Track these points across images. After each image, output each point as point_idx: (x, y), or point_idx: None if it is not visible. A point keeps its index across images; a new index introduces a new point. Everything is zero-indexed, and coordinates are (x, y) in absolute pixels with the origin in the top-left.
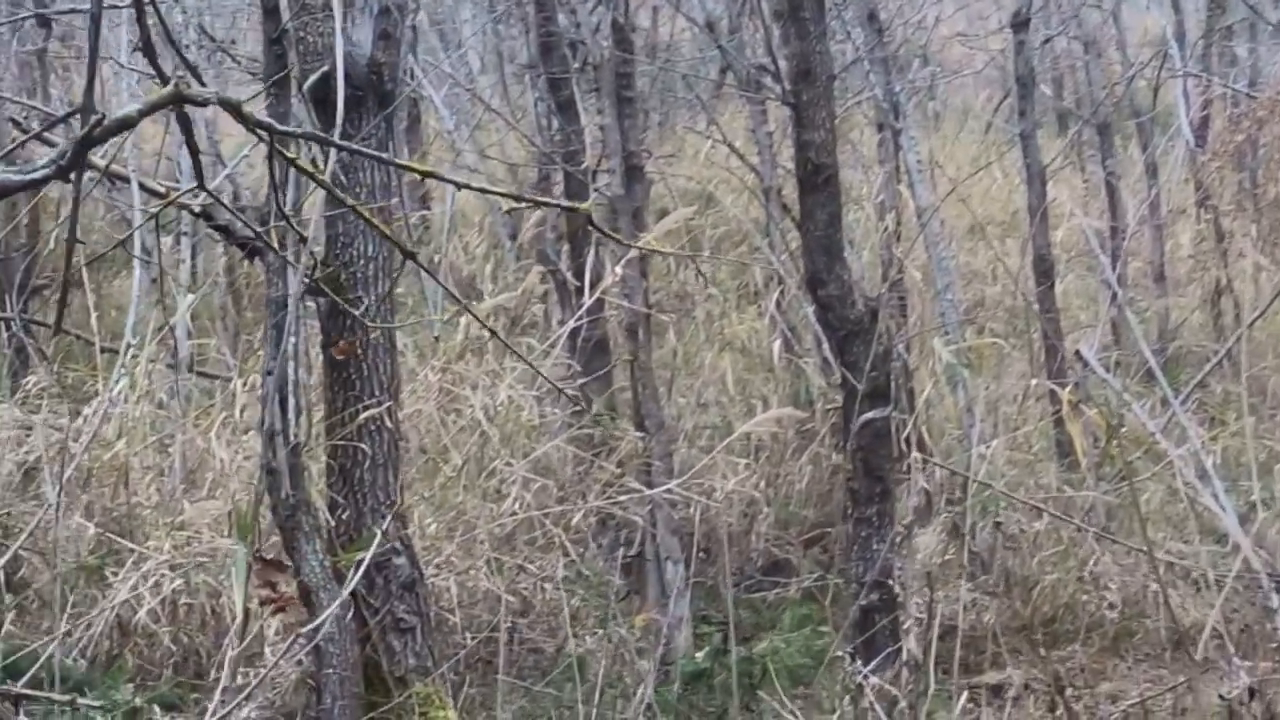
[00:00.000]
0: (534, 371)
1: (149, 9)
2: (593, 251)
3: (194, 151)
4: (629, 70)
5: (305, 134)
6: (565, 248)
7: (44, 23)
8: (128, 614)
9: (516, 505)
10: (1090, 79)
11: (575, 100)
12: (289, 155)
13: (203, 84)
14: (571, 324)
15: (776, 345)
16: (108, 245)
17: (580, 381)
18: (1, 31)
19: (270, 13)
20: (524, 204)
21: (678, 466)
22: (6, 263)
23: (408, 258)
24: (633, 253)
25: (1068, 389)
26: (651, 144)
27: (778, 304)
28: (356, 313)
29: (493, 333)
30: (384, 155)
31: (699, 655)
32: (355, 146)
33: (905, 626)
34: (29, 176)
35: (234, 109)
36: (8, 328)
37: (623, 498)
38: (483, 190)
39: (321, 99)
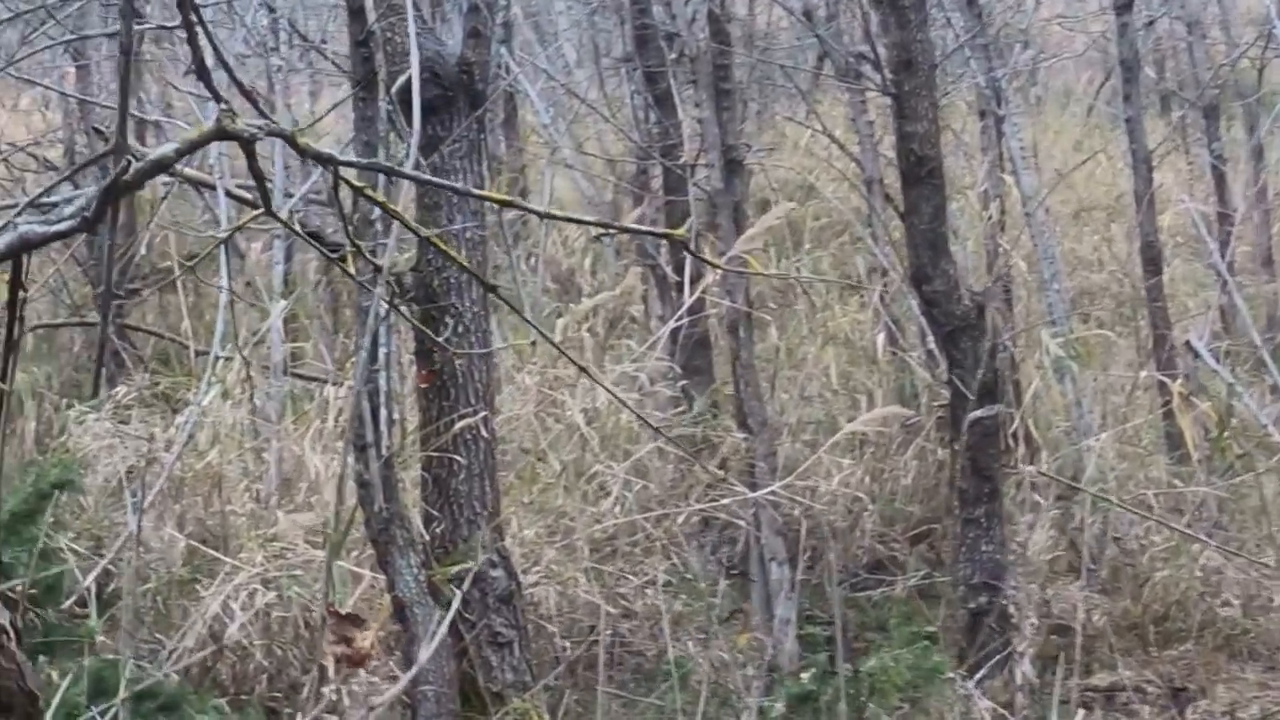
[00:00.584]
0: (633, 375)
1: (200, 28)
2: (694, 246)
3: (258, 178)
4: (726, 62)
5: (369, 164)
6: (664, 242)
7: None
8: (220, 627)
9: (617, 509)
10: (1194, 60)
11: (672, 93)
12: (356, 185)
13: (259, 109)
14: (672, 323)
15: (880, 339)
16: (202, 247)
17: (681, 382)
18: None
19: (356, 14)
20: (615, 230)
21: (781, 463)
22: (99, 265)
23: (489, 290)
24: (734, 251)
25: (1178, 381)
26: (750, 135)
27: (881, 296)
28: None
29: (580, 367)
30: (458, 185)
31: (805, 676)
32: (423, 176)
33: (1015, 624)
34: (52, 229)
35: (289, 140)
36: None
37: (725, 501)
38: (571, 219)
39: (409, 101)
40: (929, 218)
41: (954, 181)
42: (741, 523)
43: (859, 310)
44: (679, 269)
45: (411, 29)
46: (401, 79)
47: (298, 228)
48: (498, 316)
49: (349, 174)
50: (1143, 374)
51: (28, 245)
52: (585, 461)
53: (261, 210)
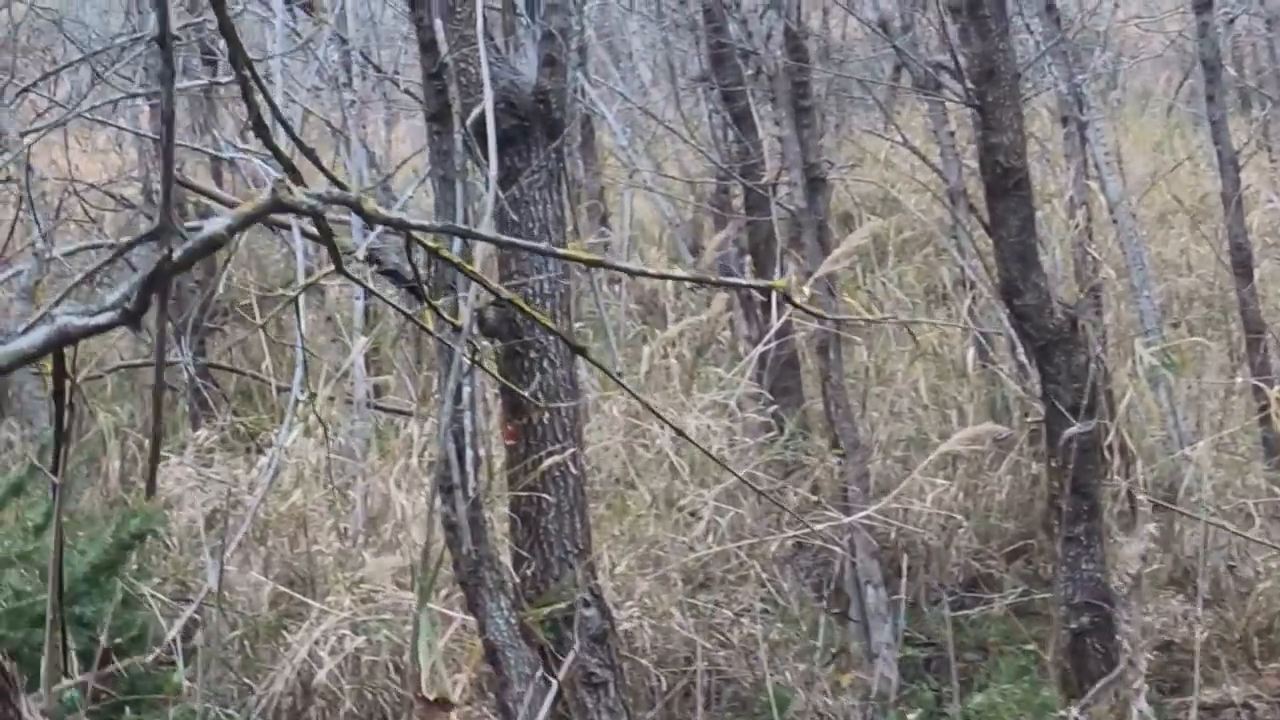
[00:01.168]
0: (722, 402)
1: (254, 83)
2: (778, 266)
3: (326, 236)
4: (804, 79)
5: (442, 228)
6: (749, 260)
7: (209, 59)
8: (308, 673)
9: (709, 537)
10: (1275, 56)
11: (751, 111)
12: (430, 246)
13: (323, 169)
14: (760, 347)
15: (970, 352)
16: (283, 283)
17: (771, 407)
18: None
19: (428, 47)
20: (708, 285)
21: (874, 482)
22: (180, 302)
23: (577, 353)
24: (820, 272)
25: (1275, 388)
26: (829, 149)
27: (970, 310)
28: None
29: (653, 411)
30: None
31: (911, 717)
32: (499, 237)
33: (1121, 646)
34: (92, 322)
35: (355, 208)
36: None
37: (819, 526)
38: (664, 276)
39: (485, 133)
40: (1017, 230)
41: (1038, 190)
42: (838, 549)
43: (948, 323)
44: (765, 291)
45: (484, 57)
46: (476, 111)
47: (369, 278)
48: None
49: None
50: (1237, 379)
51: (66, 339)
52: (675, 490)
53: (332, 269)
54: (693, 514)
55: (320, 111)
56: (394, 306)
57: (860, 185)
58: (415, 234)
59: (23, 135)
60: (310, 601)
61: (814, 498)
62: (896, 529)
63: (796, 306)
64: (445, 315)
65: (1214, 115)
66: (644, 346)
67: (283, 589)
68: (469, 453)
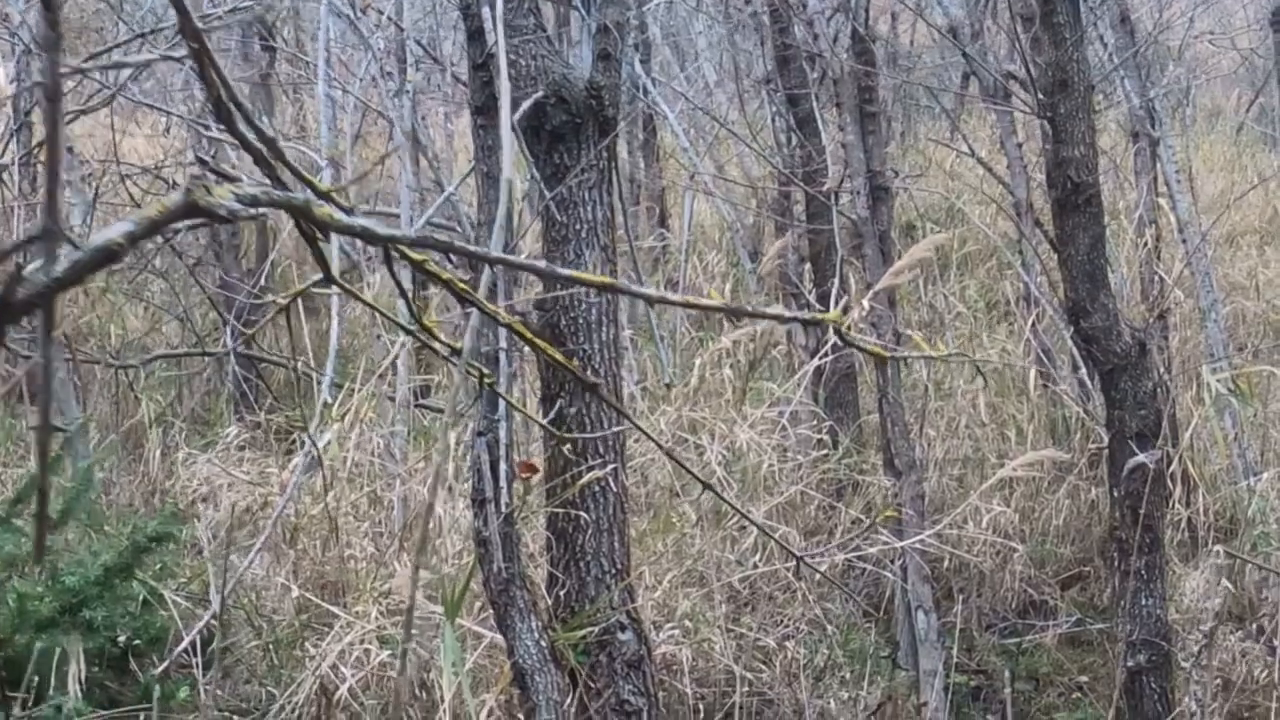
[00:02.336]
0: (774, 418)
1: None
2: (837, 276)
3: (310, 241)
4: (871, 84)
5: (420, 240)
6: (808, 269)
7: (268, 45)
8: (333, 685)
9: (756, 556)
10: None
11: (815, 115)
12: (414, 258)
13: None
14: (816, 360)
15: (1031, 372)
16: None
17: (827, 422)
18: (228, 49)
19: (474, 36)
20: (744, 316)
21: (928, 501)
22: (228, 287)
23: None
24: (881, 285)
25: None
26: (893, 157)
27: (1033, 327)
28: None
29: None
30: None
31: None
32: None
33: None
34: None
35: (298, 211)
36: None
37: (871, 550)
38: (690, 305)
39: (534, 128)
40: (1086, 248)
41: (1106, 207)
42: (889, 574)
43: (1008, 339)
44: (823, 300)
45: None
46: (525, 104)
47: (364, 291)
48: (633, 355)
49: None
50: None
51: None
52: (723, 508)
53: (321, 278)
54: (742, 529)
55: (376, 102)
56: (392, 320)
57: (924, 195)
58: (394, 244)
59: (68, 117)
60: (336, 611)
61: (865, 518)
62: (951, 552)
63: (847, 343)
64: (437, 349)
65: None
66: (696, 357)
67: (309, 596)
68: (502, 466)
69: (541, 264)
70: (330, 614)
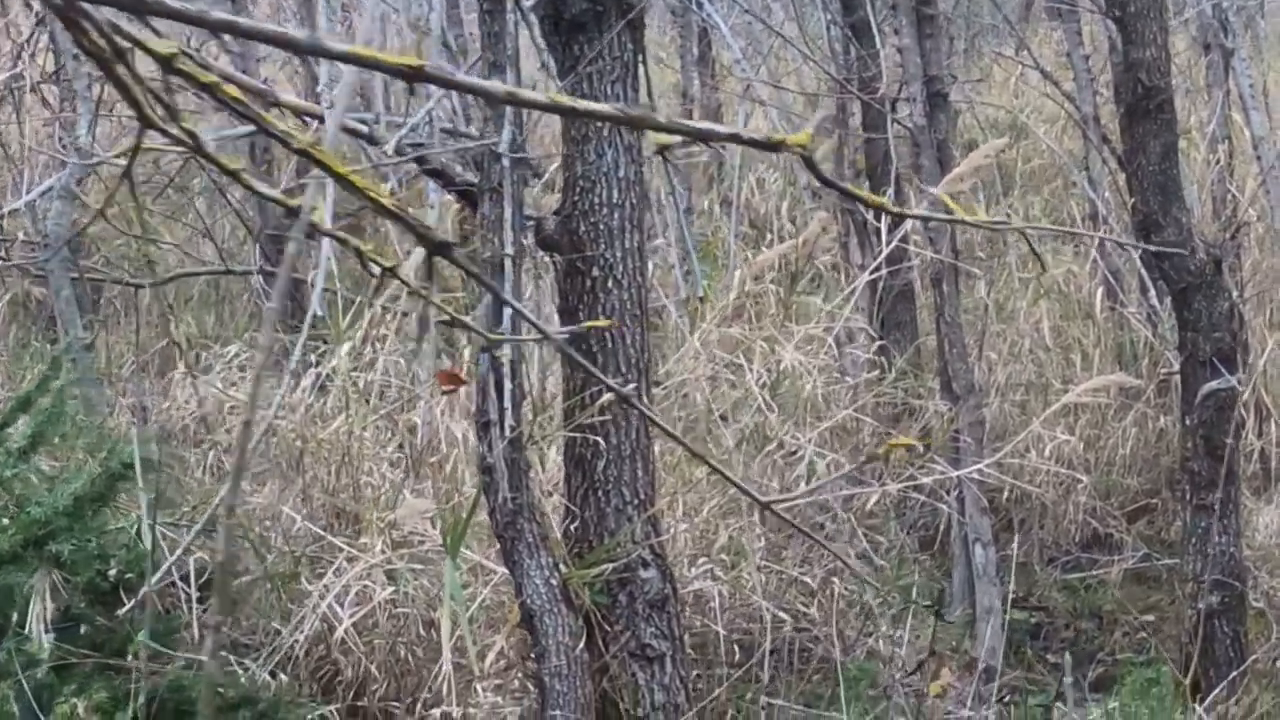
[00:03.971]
0: (820, 336)
1: None
2: (893, 188)
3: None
4: None
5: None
6: (866, 183)
7: None
8: (333, 622)
9: (801, 484)
10: None
11: (870, 21)
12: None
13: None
14: (867, 276)
15: (1099, 293)
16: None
17: (879, 342)
18: None
19: None
20: (687, 134)
21: (989, 429)
22: (263, 210)
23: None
24: (936, 193)
25: None
26: (956, 68)
27: (1100, 246)
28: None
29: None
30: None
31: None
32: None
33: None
34: None
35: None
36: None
37: (925, 480)
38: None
39: (552, 16)
40: (1158, 157)
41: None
42: (945, 506)
43: (1074, 261)
44: (879, 214)
45: None
46: None
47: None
48: (659, 275)
49: None
50: None
51: None
52: (769, 428)
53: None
54: (791, 455)
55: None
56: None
57: (987, 111)
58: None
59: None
60: (338, 542)
61: (921, 446)
62: (1010, 483)
63: (822, 180)
64: (409, 283)
65: None
66: (736, 272)
67: (312, 526)
68: (507, 385)
69: (543, 97)
70: (335, 549)
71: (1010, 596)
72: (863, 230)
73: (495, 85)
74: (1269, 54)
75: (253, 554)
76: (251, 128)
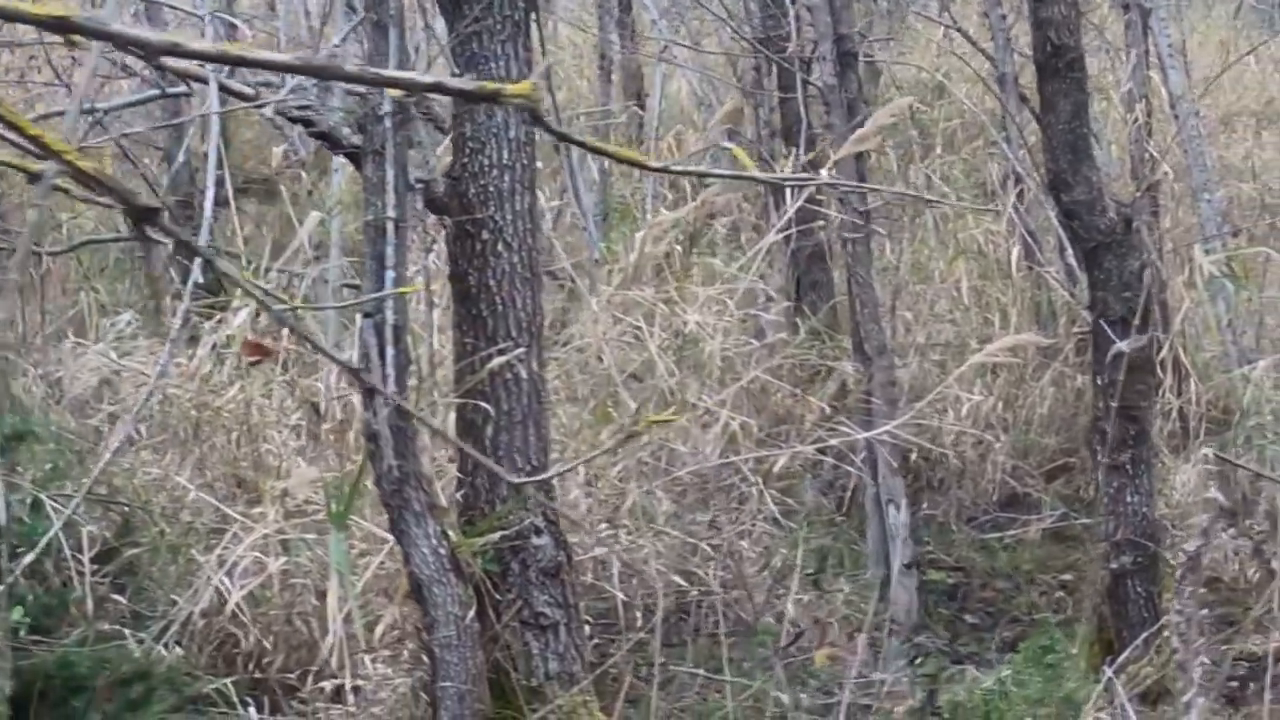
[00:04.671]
0: (721, 299)
1: None
2: (800, 147)
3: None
4: None
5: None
6: (782, 144)
7: None
8: (225, 594)
9: (708, 449)
10: None
11: None
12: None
13: None
14: (772, 236)
15: (1015, 252)
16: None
17: (785, 304)
18: None
19: None
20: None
21: (907, 388)
22: (174, 175)
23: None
24: (844, 151)
25: None
26: (878, 31)
27: (1016, 205)
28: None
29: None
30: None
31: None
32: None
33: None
34: None
35: None
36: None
37: (833, 442)
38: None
39: None
40: (1068, 116)
41: (1096, 83)
42: (853, 468)
43: (993, 221)
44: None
45: None
46: None
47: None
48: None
49: None
50: None
51: None
52: (678, 393)
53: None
54: (706, 417)
55: None
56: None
57: (911, 73)
58: None
59: None
60: (232, 513)
61: (828, 409)
62: (928, 441)
63: (544, 126)
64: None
65: None
66: (637, 234)
67: (206, 496)
68: (389, 351)
69: (210, 48)
70: (237, 515)
71: (927, 556)
72: (779, 192)
73: (153, 36)
74: (1192, 15)
75: (153, 525)
76: None
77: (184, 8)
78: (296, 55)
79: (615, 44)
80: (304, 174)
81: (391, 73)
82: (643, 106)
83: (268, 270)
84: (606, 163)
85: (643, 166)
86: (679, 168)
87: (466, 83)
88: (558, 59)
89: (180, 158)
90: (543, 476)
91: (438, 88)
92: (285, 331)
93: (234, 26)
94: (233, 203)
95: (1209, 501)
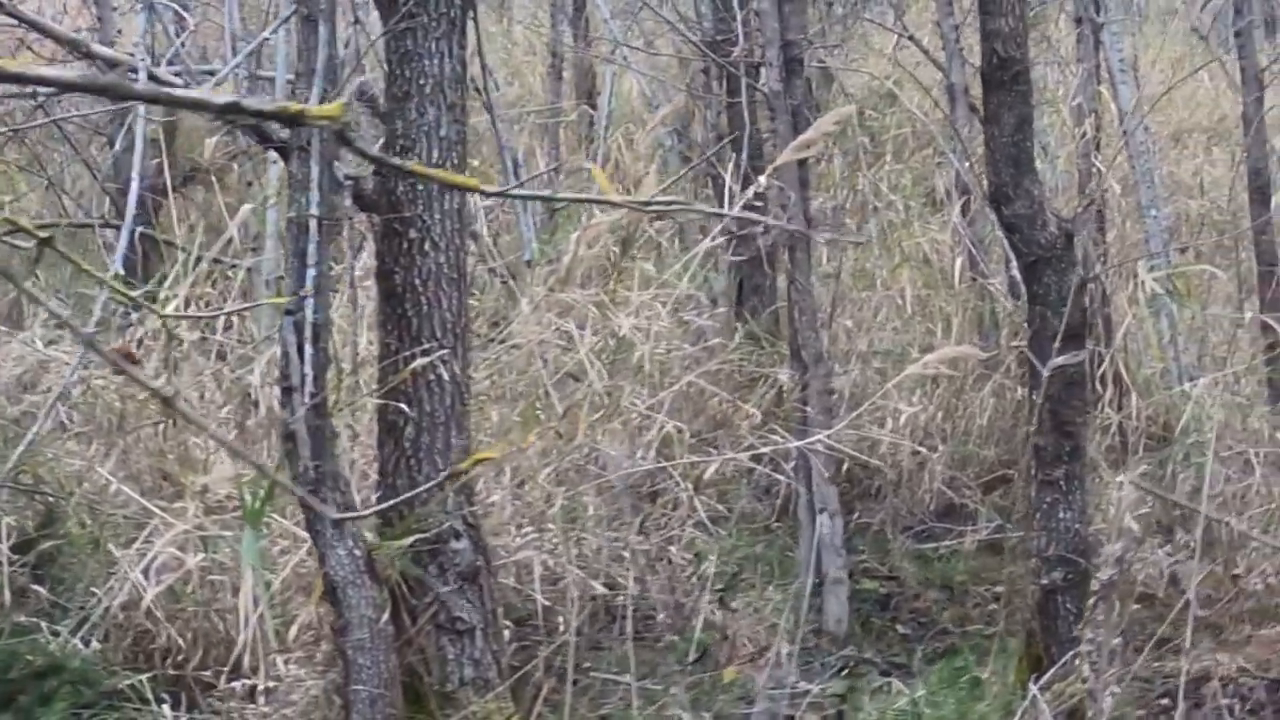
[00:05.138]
0: (660, 301)
1: None
2: (744, 152)
3: None
4: None
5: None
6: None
7: None
8: (141, 590)
9: (639, 454)
10: None
11: None
12: None
13: None
14: (706, 243)
15: (959, 262)
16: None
17: (712, 311)
18: None
19: None
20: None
21: (848, 395)
22: (117, 162)
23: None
24: (781, 159)
25: None
26: (831, 37)
27: (963, 214)
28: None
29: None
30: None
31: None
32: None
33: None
34: None
35: None
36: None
37: (765, 450)
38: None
39: None
40: (1012, 129)
41: (1048, 96)
42: (784, 477)
43: (940, 230)
44: (745, 181)
45: None
46: None
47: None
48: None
49: None
50: (1245, 314)
51: None
52: (612, 397)
53: None
54: (628, 426)
55: None
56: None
57: (865, 82)
58: None
59: None
60: (151, 507)
61: (758, 416)
62: (866, 449)
63: (349, 145)
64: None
65: (1241, 26)
66: (572, 235)
67: (127, 490)
68: (308, 349)
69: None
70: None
71: (861, 565)
72: (723, 195)
73: None
74: (1149, 30)
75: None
76: None
77: None
78: (82, 74)
79: (567, 43)
80: (235, 165)
81: (184, 93)
82: (594, 105)
83: (198, 260)
84: (556, 161)
85: (478, 190)
86: (519, 192)
87: (265, 102)
88: (511, 56)
89: (120, 144)
90: (364, 514)
91: (233, 108)
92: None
93: (181, 15)
94: (171, 193)
95: (1125, 530)
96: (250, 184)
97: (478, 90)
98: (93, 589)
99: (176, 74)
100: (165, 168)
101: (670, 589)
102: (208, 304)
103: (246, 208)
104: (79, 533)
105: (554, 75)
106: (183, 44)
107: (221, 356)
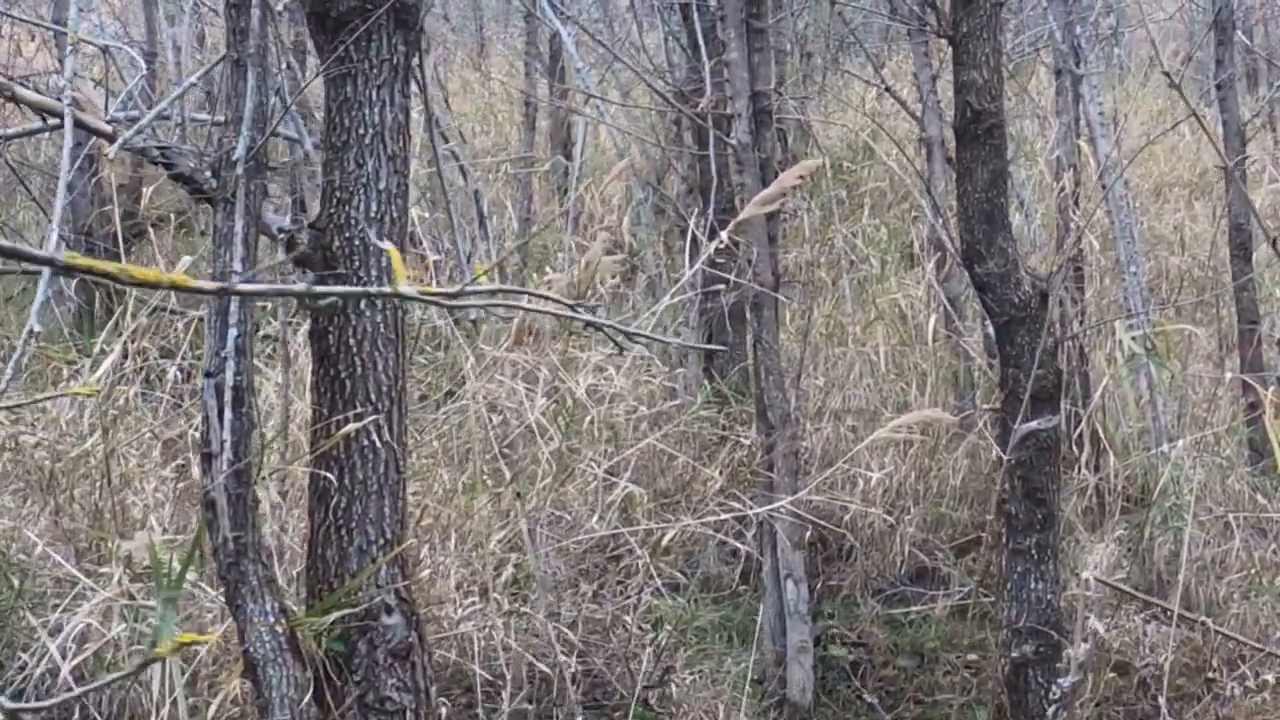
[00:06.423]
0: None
1: None
2: (710, 206)
3: None
4: None
5: None
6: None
7: None
8: (61, 659)
9: (594, 520)
10: None
11: (698, 33)
12: None
13: None
14: (668, 299)
15: (933, 319)
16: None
17: (678, 370)
18: None
19: None
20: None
21: (819, 452)
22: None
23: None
24: (746, 214)
25: (1271, 389)
26: (812, 92)
27: (938, 269)
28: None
29: None
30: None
31: None
32: None
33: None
34: None
35: None
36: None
37: (725, 517)
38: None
39: (319, 13)
40: (985, 184)
41: (1027, 148)
42: (746, 546)
43: (916, 286)
44: (713, 233)
45: None
46: None
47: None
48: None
49: None
50: (1226, 373)
51: None
52: (571, 458)
53: None
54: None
55: None
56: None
57: (845, 135)
58: None
59: None
60: (76, 573)
61: (720, 481)
62: (836, 511)
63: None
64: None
65: (1222, 79)
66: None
67: (51, 552)
68: (227, 415)
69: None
70: (88, 573)
71: (829, 630)
72: (696, 247)
73: None
74: (1130, 83)
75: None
76: None
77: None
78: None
79: (540, 93)
80: (171, 216)
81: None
82: (569, 156)
83: (157, 310)
84: (528, 212)
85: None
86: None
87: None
88: (489, 105)
89: (77, 189)
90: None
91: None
92: None
93: (105, 49)
94: (121, 241)
95: (1091, 634)
96: (203, 233)
97: (445, 138)
98: (21, 653)
99: (130, 119)
100: (115, 216)
101: (624, 658)
102: (145, 358)
103: (186, 259)
104: (3, 596)
105: (528, 125)
106: (137, 88)
107: (155, 412)
